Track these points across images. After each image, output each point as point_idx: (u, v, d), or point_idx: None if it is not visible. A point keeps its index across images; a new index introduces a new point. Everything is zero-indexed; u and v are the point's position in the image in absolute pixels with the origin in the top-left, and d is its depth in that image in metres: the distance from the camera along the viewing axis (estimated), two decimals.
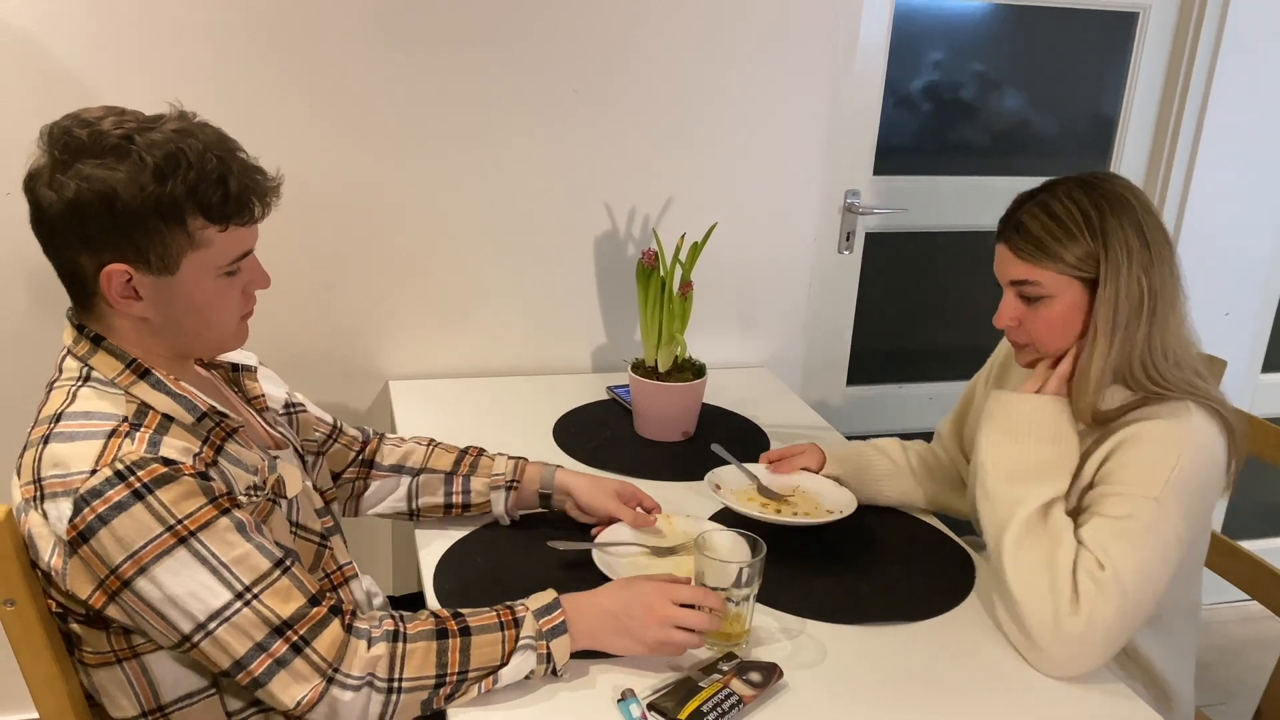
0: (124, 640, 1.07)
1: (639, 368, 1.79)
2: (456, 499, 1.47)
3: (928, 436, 1.74)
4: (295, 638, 1.02)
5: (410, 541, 1.45)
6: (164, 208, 1.03)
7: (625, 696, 1.11)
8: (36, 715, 1.10)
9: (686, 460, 1.72)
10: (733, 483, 1.55)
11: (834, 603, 1.34)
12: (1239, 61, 2.33)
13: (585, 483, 1.48)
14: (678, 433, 1.79)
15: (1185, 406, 1.28)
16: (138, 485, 0.99)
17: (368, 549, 2.14)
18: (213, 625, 1.00)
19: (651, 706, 1.10)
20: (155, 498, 0.99)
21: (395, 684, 1.06)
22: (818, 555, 1.44)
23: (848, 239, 2.27)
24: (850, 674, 1.20)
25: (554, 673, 1.14)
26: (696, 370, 1.79)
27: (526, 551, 1.41)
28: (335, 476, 1.47)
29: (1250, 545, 1.65)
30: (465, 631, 1.10)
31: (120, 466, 1.00)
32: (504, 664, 1.10)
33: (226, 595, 1.00)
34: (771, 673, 1.16)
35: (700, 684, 1.13)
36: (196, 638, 1.01)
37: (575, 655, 1.15)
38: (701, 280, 2.09)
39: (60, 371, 1.11)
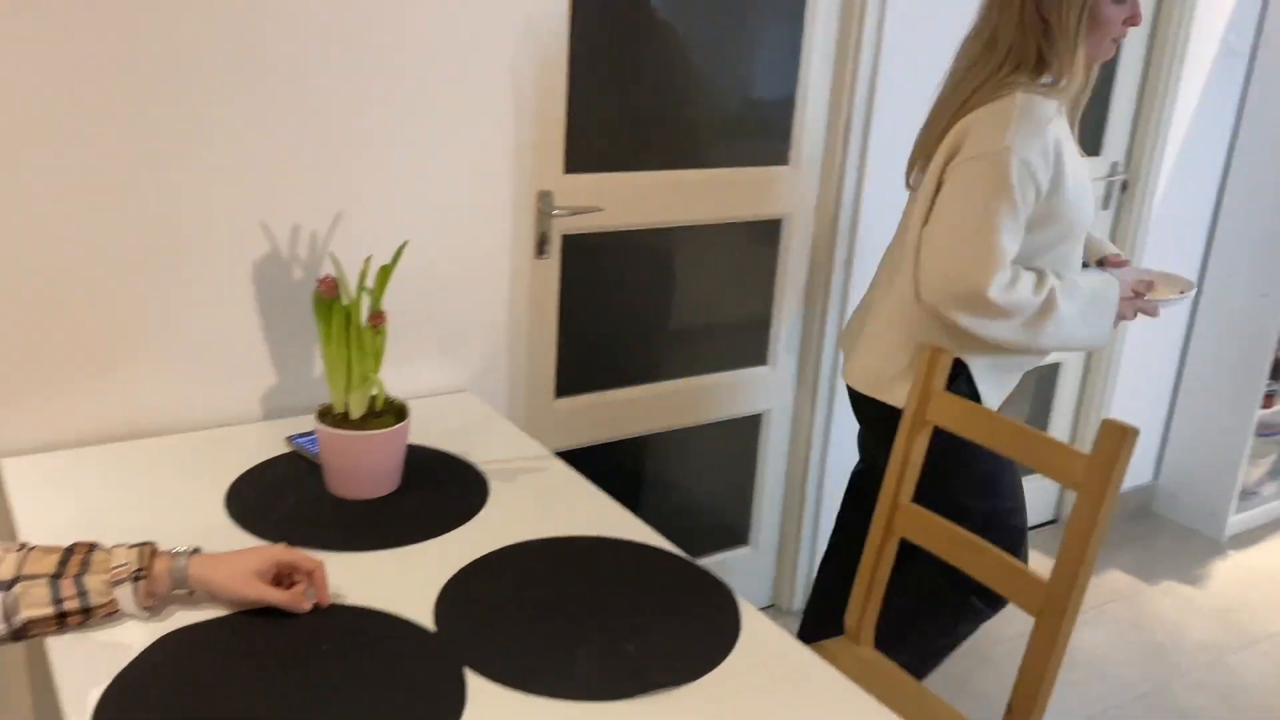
0: None
1: (327, 416, 1.52)
2: (71, 604, 1.17)
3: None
4: None
5: (49, 679, 1.12)
6: None
7: None
8: None
9: (394, 519, 1.48)
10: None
11: (605, 673, 1.16)
12: (903, 39, 2.39)
13: (224, 574, 1.23)
14: (380, 488, 1.54)
15: None
16: None
17: None
18: None
19: None
20: None
21: None
22: (566, 618, 1.25)
23: (544, 244, 2.09)
24: None
25: None
26: (397, 412, 1.55)
27: (228, 673, 1.12)
28: None
29: None
30: None
31: None
32: None
33: None
34: None
35: None
36: None
37: None
38: (388, 301, 1.84)
39: None
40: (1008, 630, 2.79)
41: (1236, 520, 3.44)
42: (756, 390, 2.57)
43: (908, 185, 1.96)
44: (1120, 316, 1.89)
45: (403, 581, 1.33)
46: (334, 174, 1.78)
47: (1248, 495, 3.50)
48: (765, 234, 2.47)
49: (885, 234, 2.54)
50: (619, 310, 2.34)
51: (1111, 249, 2.10)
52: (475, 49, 1.84)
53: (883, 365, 1.92)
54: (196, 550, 1.25)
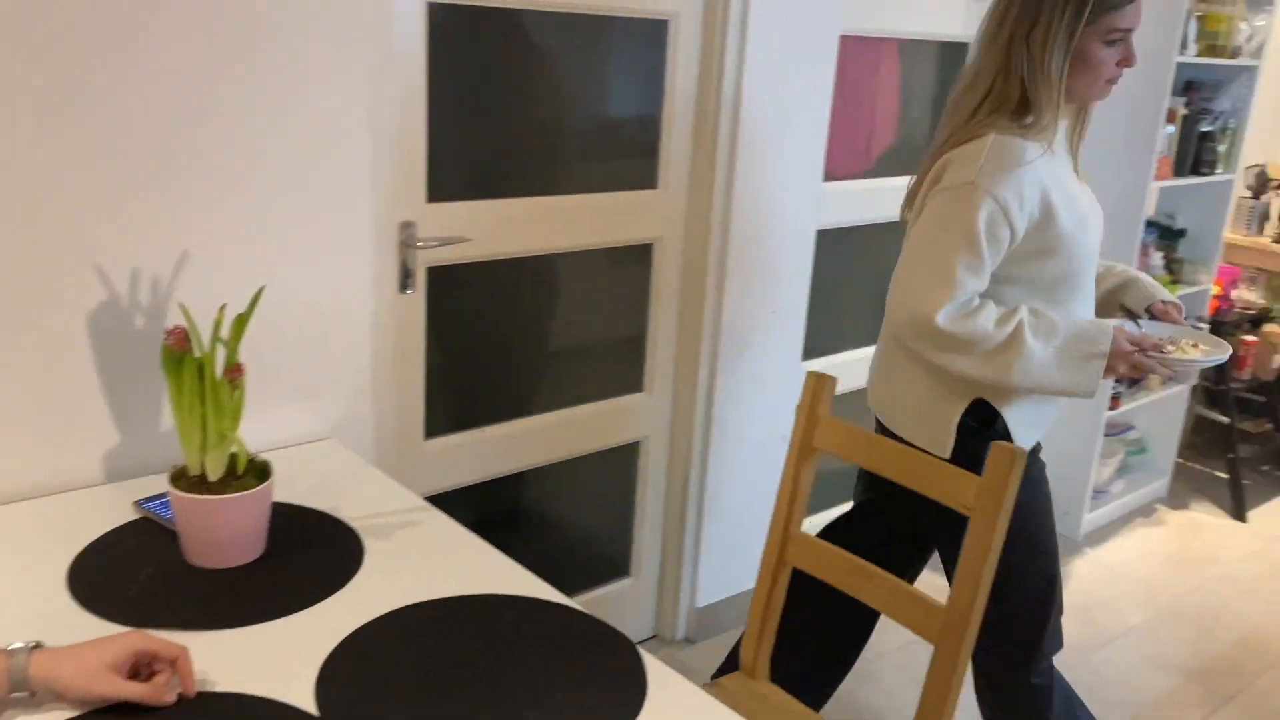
0: None
1: (181, 479, 1.39)
2: None
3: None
4: None
5: None
6: None
7: None
8: None
9: (263, 589, 1.35)
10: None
11: None
12: (762, 61, 2.39)
13: (71, 670, 1.08)
14: (244, 554, 1.41)
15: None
16: None
17: None
18: None
19: None
20: None
21: None
22: (461, 688, 1.17)
23: (408, 277, 1.99)
24: None
25: None
26: (259, 472, 1.42)
27: None
28: None
29: None
30: None
31: None
32: None
33: None
34: None
35: None
36: None
37: None
38: (242, 347, 1.71)
39: None
40: (890, 644, 2.81)
41: (1090, 518, 3.58)
42: (633, 418, 2.52)
43: (901, 225, 1.90)
44: (1109, 370, 1.73)
45: (278, 660, 1.21)
46: (176, 210, 1.63)
47: (1099, 494, 3.65)
48: (636, 258, 2.42)
49: (756, 253, 2.53)
50: (489, 343, 2.25)
51: (1162, 296, 1.96)
52: (328, 75, 1.73)
53: (904, 399, 1.87)
54: (37, 645, 1.11)
